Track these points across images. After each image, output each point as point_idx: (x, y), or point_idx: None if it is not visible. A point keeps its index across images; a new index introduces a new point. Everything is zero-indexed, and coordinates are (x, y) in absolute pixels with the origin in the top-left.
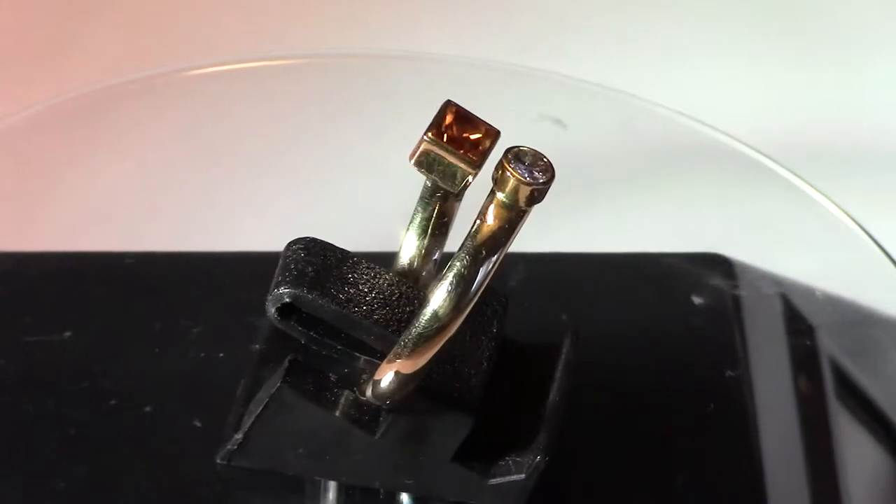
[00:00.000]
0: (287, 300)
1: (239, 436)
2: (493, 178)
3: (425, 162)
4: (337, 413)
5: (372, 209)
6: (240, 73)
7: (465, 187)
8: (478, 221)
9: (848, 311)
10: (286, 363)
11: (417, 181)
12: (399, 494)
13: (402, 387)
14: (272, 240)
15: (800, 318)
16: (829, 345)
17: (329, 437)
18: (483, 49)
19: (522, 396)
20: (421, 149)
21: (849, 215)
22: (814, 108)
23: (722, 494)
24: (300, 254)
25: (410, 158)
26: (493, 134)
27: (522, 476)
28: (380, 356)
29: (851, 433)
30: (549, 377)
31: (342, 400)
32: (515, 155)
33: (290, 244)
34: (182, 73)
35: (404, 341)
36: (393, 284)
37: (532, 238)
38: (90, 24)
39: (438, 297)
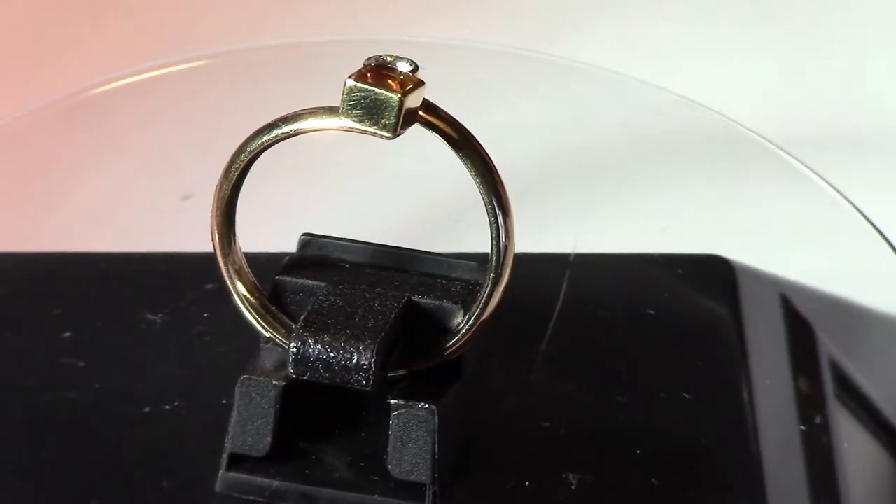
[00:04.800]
0: (381, 355)
1: (435, 487)
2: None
3: (425, 122)
4: (459, 390)
5: (372, 208)
6: (240, 70)
7: None
8: (447, 135)
9: (848, 311)
10: (399, 402)
11: (418, 178)
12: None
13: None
14: (272, 240)
15: (800, 318)
16: (829, 345)
17: (461, 412)
18: (479, 34)
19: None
20: (410, 118)
21: (856, 208)
22: (822, 96)
23: (721, 494)
24: (324, 342)
25: (404, 127)
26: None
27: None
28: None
29: (851, 433)
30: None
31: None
32: (381, 65)
33: (299, 364)
34: (181, 70)
35: (489, 281)
36: (352, 289)
37: (531, 238)
38: (89, 24)
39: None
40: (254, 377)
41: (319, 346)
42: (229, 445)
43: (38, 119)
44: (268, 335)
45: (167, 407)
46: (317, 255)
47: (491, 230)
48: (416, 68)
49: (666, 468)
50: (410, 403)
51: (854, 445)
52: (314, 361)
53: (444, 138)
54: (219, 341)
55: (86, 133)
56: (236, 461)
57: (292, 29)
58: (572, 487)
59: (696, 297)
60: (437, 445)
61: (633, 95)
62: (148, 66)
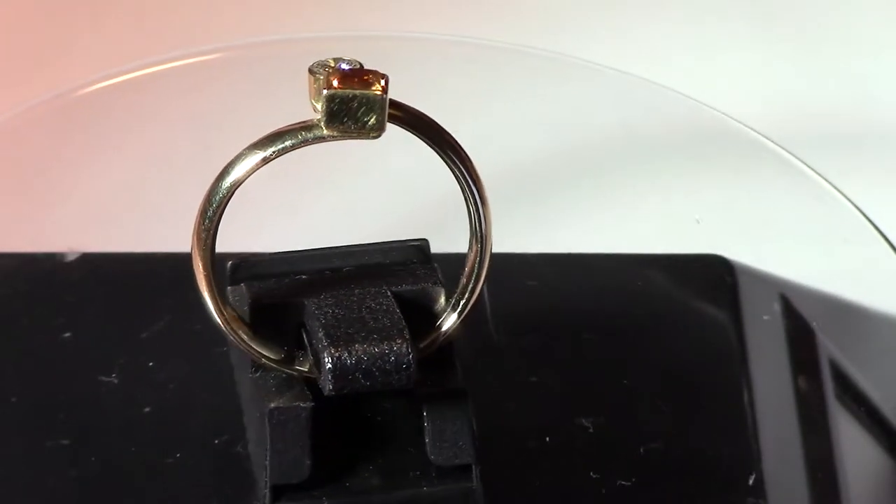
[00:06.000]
0: (413, 355)
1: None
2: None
3: (393, 117)
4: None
5: (371, 208)
6: (240, 67)
7: None
8: (415, 126)
9: (848, 312)
10: (430, 391)
11: (416, 177)
12: None
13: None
14: (272, 240)
15: (800, 318)
16: (829, 345)
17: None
18: (480, 30)
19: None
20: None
21: (857, 208)
22: (822, 95)
23: (721, 495)
24: (358, 352)
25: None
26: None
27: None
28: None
29: (851, 433)
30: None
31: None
32: (337, 69)
33: (339, 379)
34: (181, 66)
35: (472, 271)
36: (337, 297)
37: (531, 238)
38: (89, 21)
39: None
40: (282, 406)
41: (356, 357)
42: (269, 479)
43: (37, 116)
44: (264, 362)
45: (167, 407)
46: (263, 275)
47: (469, 218)
48: (361, 66)
49: (664, 469)
50: (440, 390)
51: (854, 445)
52: (354, 373)
53: (412, 129)
54: (219, 341)
55: (86, 131)
56: (278, 492)
57: (293, 26)
58: (590, 431)
59: (696, 297)
60: (474, 431)
61: (633, 94)
62: (147, 62)
